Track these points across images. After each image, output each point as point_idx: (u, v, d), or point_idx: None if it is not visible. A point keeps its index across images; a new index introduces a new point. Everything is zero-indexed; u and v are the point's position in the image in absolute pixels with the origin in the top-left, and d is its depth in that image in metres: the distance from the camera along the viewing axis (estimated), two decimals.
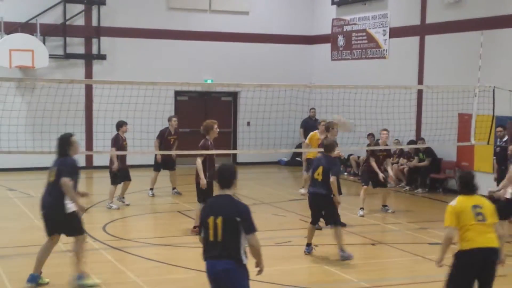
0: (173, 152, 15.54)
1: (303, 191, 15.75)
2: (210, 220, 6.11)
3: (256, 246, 6.22)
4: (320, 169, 10.42)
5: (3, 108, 14.34)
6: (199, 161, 11.58)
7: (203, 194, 11.42)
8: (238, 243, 6.13)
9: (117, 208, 14.17)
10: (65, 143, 8.68)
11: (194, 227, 11.80)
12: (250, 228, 6.17)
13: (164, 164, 15.90)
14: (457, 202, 7.01)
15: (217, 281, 6.21)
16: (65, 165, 8.54)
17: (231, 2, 21.80)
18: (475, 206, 6.92)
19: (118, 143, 14.20)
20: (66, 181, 8.37)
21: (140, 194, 16.17)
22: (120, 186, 14.46)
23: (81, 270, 8.75)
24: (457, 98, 15.73)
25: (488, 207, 7.03)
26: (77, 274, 8.75)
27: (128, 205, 14.44)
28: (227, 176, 6.30)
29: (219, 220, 6.09)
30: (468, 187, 7.06)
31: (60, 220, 8.58)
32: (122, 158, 14.40)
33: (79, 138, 18.32)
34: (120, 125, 14.43)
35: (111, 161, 14.22)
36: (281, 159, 21.53)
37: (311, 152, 14.94)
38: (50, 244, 8.83)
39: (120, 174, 14.31)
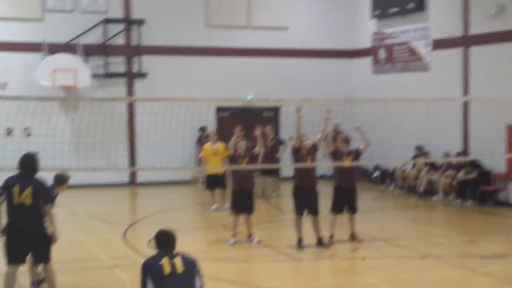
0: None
1: (215, 207, 15.73)
2: None
3: None
4: None
5: (47, 126, 14.51)
6: None
7: None
8: None
9: None
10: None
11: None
12: None
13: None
14: None
15: None
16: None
17: (270, 18, 21.79)
18: None
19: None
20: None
21: (185, 209, 16.10)
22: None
23: None
24: (505, 110, 15.31)
25: None
26: None
27: None
28: None
29: None
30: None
31: None
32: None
33: (122, 155, 18.83)
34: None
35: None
36: (325, 173, 21.26)
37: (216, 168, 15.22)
38: None
39: None
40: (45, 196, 8.38)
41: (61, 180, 9.22)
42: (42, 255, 8.48)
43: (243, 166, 12.04)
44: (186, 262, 6.17)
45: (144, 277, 6.08)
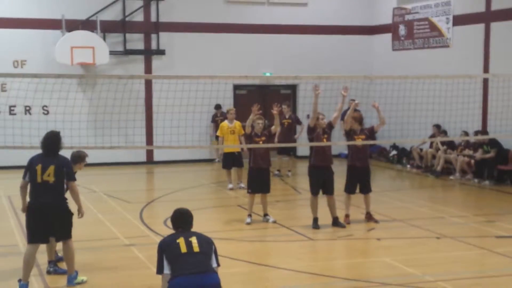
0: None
1: (231, 186, 15.77)
2: None
3: None
4: None
5: (65, 104, 14.54)
6: None
7: None
8: None
9: None
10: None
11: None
12: None
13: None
14: None
15: None
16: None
17: None
18: None
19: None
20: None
21: (201, 188, 16.14)
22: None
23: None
24: None
25: None
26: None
27: None
28: None
29: None
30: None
31: None
32: None
33: (139, 133, 18.89)
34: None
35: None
36: (342, 152, 21.18)
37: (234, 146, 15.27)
38: None
39: None
40: (68, 173, 8.45)
41: (78, 158, 9.28)
42: (64, 232, 8.57)
43: (260, 144, 12.03)
44: (202, 242, 6.19)
45: (160, 256, 6.12)
